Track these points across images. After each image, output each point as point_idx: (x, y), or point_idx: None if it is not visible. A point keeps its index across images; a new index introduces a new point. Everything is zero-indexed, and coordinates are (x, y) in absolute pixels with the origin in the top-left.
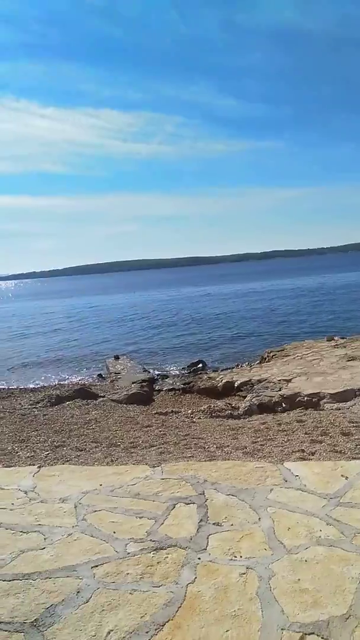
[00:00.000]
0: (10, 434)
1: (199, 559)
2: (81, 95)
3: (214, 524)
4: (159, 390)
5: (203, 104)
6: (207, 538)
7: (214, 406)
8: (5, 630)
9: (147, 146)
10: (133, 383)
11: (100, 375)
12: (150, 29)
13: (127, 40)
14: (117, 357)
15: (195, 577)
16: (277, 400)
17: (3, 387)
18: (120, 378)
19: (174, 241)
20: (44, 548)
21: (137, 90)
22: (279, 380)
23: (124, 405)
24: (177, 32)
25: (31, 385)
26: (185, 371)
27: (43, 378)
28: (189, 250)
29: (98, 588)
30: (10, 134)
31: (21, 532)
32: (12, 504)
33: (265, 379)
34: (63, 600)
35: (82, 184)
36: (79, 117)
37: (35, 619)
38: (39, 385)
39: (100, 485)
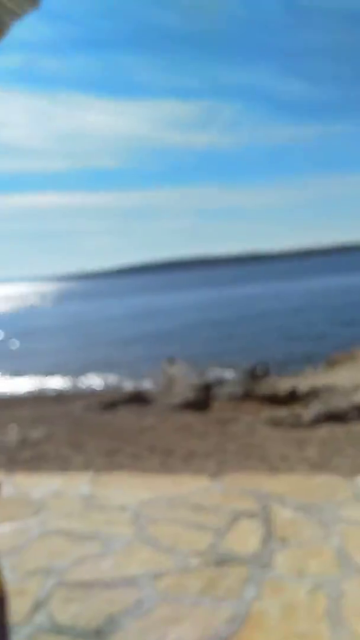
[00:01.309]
0: (65, 439)
1: (264, 575)
2: (137, 87)
3: (279, 539)
4: (217, 396)
5: (265, 88)
6: (272, 554)
7: (276, 414)
8: (68, 635)
9: (205, 136)
10: (189, 388)
11: (154, 380)
12: (207, 13)
13: (184, 27)
14: (171, 361)
15: (260, 594)
16: (346, 409)
17: (58, 390)
18: (175, 382)
19: (232, 236)
20: (104, 556)
21: (195, 78)
22: (349, 387)
23: (180, 411)
24: (235, 15)
25: (85, 390)
26: (245, 376)
27: (96, 382)
28: (247, 245)
29: (160, 600)
30: (64, 130)
31: (81, 538)
32: (71, 510)
33: (333, 386)
34: (125, 609)
35: (137, 178)
36: (135, 109)
37: (97, 627)
38: (92, 390)
39: (159, 494)
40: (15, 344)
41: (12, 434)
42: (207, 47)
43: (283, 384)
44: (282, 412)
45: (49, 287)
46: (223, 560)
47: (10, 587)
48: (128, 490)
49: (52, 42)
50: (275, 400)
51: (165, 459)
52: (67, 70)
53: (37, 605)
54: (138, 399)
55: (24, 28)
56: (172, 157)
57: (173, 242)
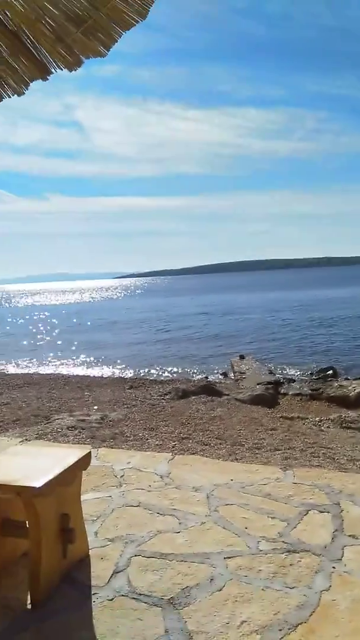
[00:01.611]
0: (141, 422)
1: (334, 568)
2: (222, 95)
3: (349, 535)
4: (285, 394)
5: (350, 97)
6: (343, 549)
7: (345, 416)
8: (145, 603)
9: (286, 143)
10: (258, 384)
11: (224, 374)
12: (294, 23)
13: (270, 36)
14: (242, 357)
15: (330, 586)
16: None
17: (135, 376)
18: (245, 378)
19: (307, 240)
20: (179, 532)
21: (279, 87)
22: None
23: (248, 405)
24: (322, 24)
25: (160, 377)
26: (314, 377)
27: (170, 371)
28: (322, 250)
29: (231, 579)
30: (154, 137)
31: (158, 513)
32: (150, 485)
33: None
34: (198, 584)
35: (219, 183)
36: (219, 117)
37: (171, 597)
38: (167, 378)
39: (231, 480)
40: (98, 334)
41: (95, 413)
42: (292, 56)
43: (353, 387)
44: (351, 414)
45: (133, 283)
46: (293, 550)
47: (92, 552)
48: (202, 473)
49: (145, 52)
50: (344, 402)
51: (233, 449)
52: (157, 79)
53: (117, 571)
54: (208, 390)
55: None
56: (254, 163)
57: (251, 244)
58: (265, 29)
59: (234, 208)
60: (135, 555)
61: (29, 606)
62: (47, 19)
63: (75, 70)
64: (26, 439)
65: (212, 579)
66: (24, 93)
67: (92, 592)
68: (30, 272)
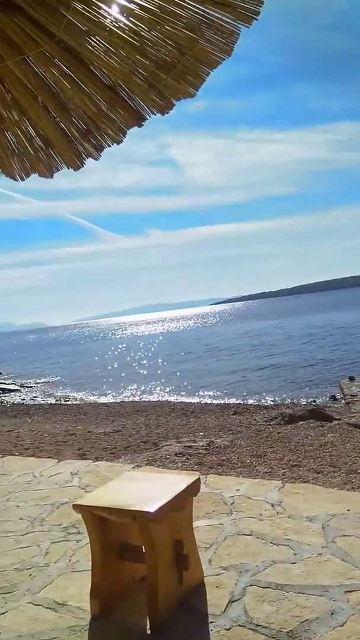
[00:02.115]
0: (248, 448)
1: None
2: (312, 113)
3: None
4: None
5: None
6: None
7: None
8: (263, 634)
9: None
10: None
11: (333, 397)
12: None
13: (354, 48)
14: (351, 378)
15: None
16: None
17: (240, 402)
18: (357, 401)
19: None
20: (295, 563)
21: None
22: None
23: None
24: None
25: (265, 402)
26: None
27: (275, 396)
28: None
29: (354, 614)
30: (244, 164)
31: (272, 543)
32: (261, 514)
33: None
34: (317, 618)
35: (313, 201)
36: (311, 134)
37: (290, 630)
38: (272, 403)
39: (348, 510)
40: (200, 360)
41: (201, 439)
42: None
43: None
44: None
45: (232, 308)
46: None
47: (207, 579)
48: (315, 502)
49: (231, 84)
50: None
51: (348, 477)
52: (246, 108)
53: (232, 600)
54: (317, 415)
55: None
56: (349, 177)
57: (350, 260)
58: (352, 40)
59: (330, 224)
60: (251, 585)
61: (149, 631)
62: (140, 70)
63: (168, 113)
64: (137, 465)
65: (332, 613)
66: (122, 141)
67: (209, 621)
68: (134, 304)
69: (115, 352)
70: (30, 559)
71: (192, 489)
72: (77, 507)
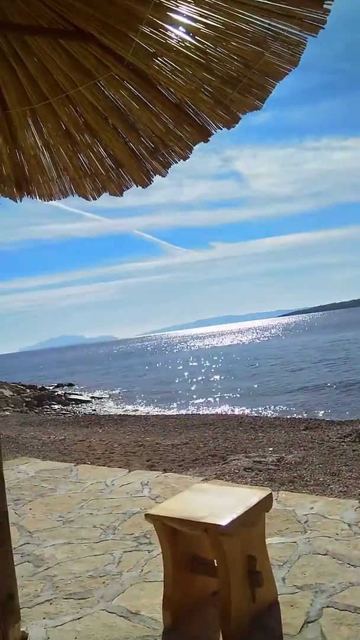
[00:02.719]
0: (321, 465)
1: None
2: None
3: None
4: None
5: None
6: None
7: None
8: None
9: None
10: None
11: None
12: None
13: None
14: None
15: None
16: None
17: (310, 417)
18: None
19: None
20: None
21: None
22: None
23: None
24: None
25: (337, 418)
26: None
27: (349, 411)
28: None
29: None
30: (310, 173)
31: (349, 564)
32: (337, 534)
33: None
34: None
35: None
36: None
37: None
38: (346, 419)
39: None
40: (267, 374)
41: (270, 455)
42: None
43: None
44: None
45: (300, 320)
46: None
47: (281, 598)
48: None
49: (296, 93)
50: None
51: None
52: (311, 117)
53: (308, 621)
54: None
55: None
56: None
57: None
58: None
59: None
60: (327, 607)
61: None
62: (206, 87)
63: (234, 127)
64: (206, 478)
65: None
66: (188, 157)
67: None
68: (200, 316)
69: (182, 365)
70: (104, 567)
71: (265, 505)
72: (149, 517)
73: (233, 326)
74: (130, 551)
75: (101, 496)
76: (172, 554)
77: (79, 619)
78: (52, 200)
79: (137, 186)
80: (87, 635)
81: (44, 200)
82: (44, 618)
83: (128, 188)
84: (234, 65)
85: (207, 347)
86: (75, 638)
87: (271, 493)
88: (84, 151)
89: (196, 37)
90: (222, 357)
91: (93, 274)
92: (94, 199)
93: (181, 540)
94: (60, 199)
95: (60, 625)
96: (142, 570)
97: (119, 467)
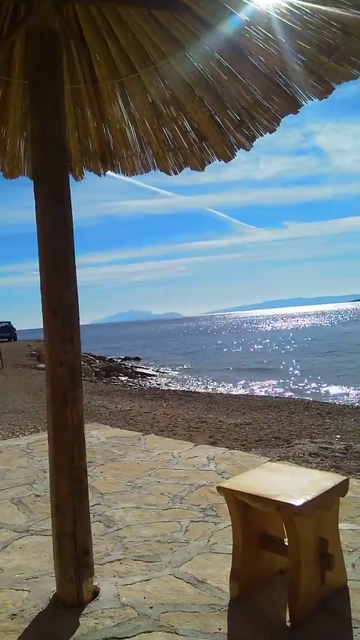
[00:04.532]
0: None
1: None
2: None
3: None
4: None
5: None
6: None
7: None
8: None
9: None
10: None
11: None
12: None
13: None
14: None
15: None
16: None
17: None
18: None
19: None
20: None
21: None
22: None
23: None
24: None
25: None
26: None
27: None
28: None
29: None
30: None
31: None
32: None
33: None
34: None
35: None
36: None
37: None
38: None
39: None
40: (339, 358)
41: (337, 442)
42: None
43: None
44: None
45: None
46: None
47: (350, 584)
48: None
49: None
50: None
51: None
52: None
53: None
54: None
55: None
56: None
57: None
58: None
59: None
60: None
61: (288, 624)
62: (299, 55)
63: (327, 97)
64: (270, 459)
65: None
66: (275, 129)
67: (353, 626)
68: (267, 297)
69: (249, 345)
70: (171, 534)
71: (340, 489)
72: (221, 490)
73: (303, 309)
74: (197, 521)
75: (168, 466)
76: (242, 528)
77: (147, 580)
78: (134, 174)
79: (220, 160)
80: (155, 597)
81: (126, 175)
82: (114, 576)
83: (210, 162)
84: (332, 32)
85: (277, 328)
86: (144, 598)
87: (348, 479)
88: (168, 124)
89: (292, 3)
90: (293, 340)
91: (163, 250)
92: (175, 173)
93: (251, 515)
94: (142, 173)
95: (130, 584)
96: (208, 540)
97: (185, 441)
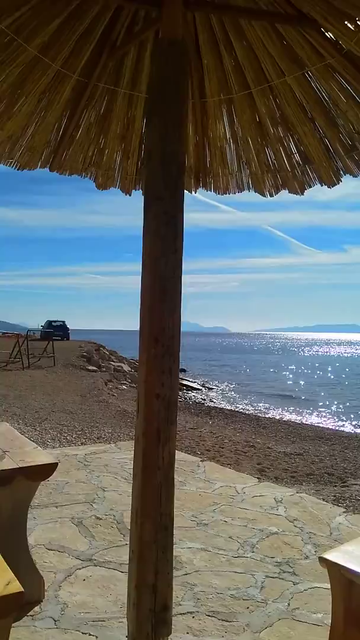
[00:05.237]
0: None
1: None
2: None
3: None
4: None
5: None
6: None
7: None
8: None
9: None
10: None
11: None
12: None
13: None
14: None
15: None
16: None
17: None
18: None
19: None
20: None
21: None
22: None
23: None
24: None
25: None
26: None
27: None
28: None
29: None
30: None
31: None
32: None
33: None
34: None
35: None
36: None
37: None
38: None
39: None
40: None
41: None
42: None
43: None
44: None
45: None
46: None
47: None
48: None
49: None
50: None
51: None
52: None
53: None
54: None
55: None
56: None
57: None
58: None
59: None
60: None
61: None
62: None
63: None
64: (345, 511)
65: None
66: None
67: None
68: (319, 321)
69: (300, 369)
70: (246, 589)
71: None
72: (325, 562)
73: (357, 336)
74: (272, 577)
75: (233, 503)
76: (345, 608)
77: None
78: (226, 194)
79: (322, 185)
80: None
81: (218, 194)
82: (187, 632)
83: (310, 187)
84: None
85: (331, 354)
86: None
87: None
88: (272, 145)
89: None
90: (347, 368)
91: (218, 265)
92: (271, 195)
93: (357, 595)
94: (234, 193)
95: None
96: (288, 604)
97: (247, 474)
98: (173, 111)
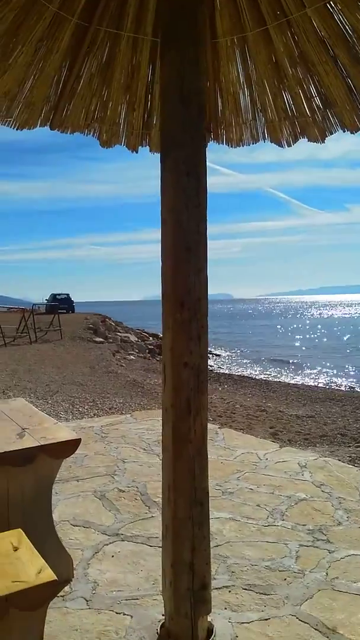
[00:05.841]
0: None
1: None
2: None
3: None
4: None
5: None
6: None
7: None
8: None
9: None
10: None
11: None
12: None
13: None
14: None
15: None
16: None
17: None
18: None
19: None
20: None
21: None
22: None
23: None
24: None
25: None
26: None
27: None
28: None
29: None
30: None
31: None
32: None
33: None
34: None
35: None
36: None
37: None
38: None
39: None
40: None
41: None
42: None
43: None
44: None
45: None
46: None
47: None
48: None
49: None
50: None
51: None
52: None
53: None
54: None
55: None
56: None
57: None
58: None
59: None
60: None
61: None
62: None
63: None
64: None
65: None
66: None
67: None
68: (323, 283)
69: (306, 332)
70: (281, 559)
71: None
72: None
73: None
74: (307, 546)
75: (257, 470)
76: None
77: (266, 620)
78: (239, 146)
79: (345, 131)
80: None
81: (231, 146)
82: (225, 608)
83: (332, 133)
84: None
85: (336, 316)
86: None
87: None
88: (291, 88)
89: None
90: (353, 329)
91: (218, 230)
92: (289, 145)
93: None
94: (248, 144)
95: (247, 623)
96: (326, 574)
97: (263, 438)
98: (190, 44)
